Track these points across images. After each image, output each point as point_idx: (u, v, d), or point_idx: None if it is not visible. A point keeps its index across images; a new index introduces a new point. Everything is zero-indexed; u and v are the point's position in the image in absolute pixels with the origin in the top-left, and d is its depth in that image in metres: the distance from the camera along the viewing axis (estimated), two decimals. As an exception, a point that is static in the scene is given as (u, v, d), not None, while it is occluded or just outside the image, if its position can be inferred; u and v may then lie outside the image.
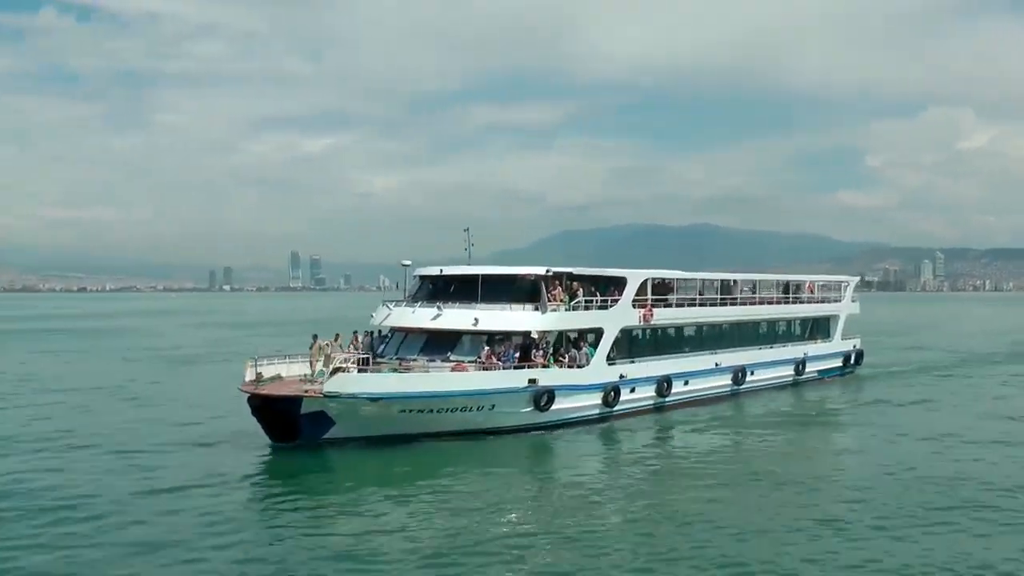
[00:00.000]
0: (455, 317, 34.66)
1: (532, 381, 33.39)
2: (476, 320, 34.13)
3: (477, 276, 35.56)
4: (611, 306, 37.47)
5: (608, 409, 36.60)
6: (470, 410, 32.13)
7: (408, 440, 30.86)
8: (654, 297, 40.03)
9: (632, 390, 37.78)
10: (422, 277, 38.25)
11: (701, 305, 43.01)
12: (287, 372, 34.09)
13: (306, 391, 30.36)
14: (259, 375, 33.39)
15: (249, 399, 30.51)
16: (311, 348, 34.41)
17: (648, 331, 39.94)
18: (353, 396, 30.01)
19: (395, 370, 33.09)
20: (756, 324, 47.29)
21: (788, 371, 48.21)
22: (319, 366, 33.38)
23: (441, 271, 37.51)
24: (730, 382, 43.54)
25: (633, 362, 38.43)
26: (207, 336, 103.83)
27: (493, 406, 32.55)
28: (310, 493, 25.41)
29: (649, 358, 39.25)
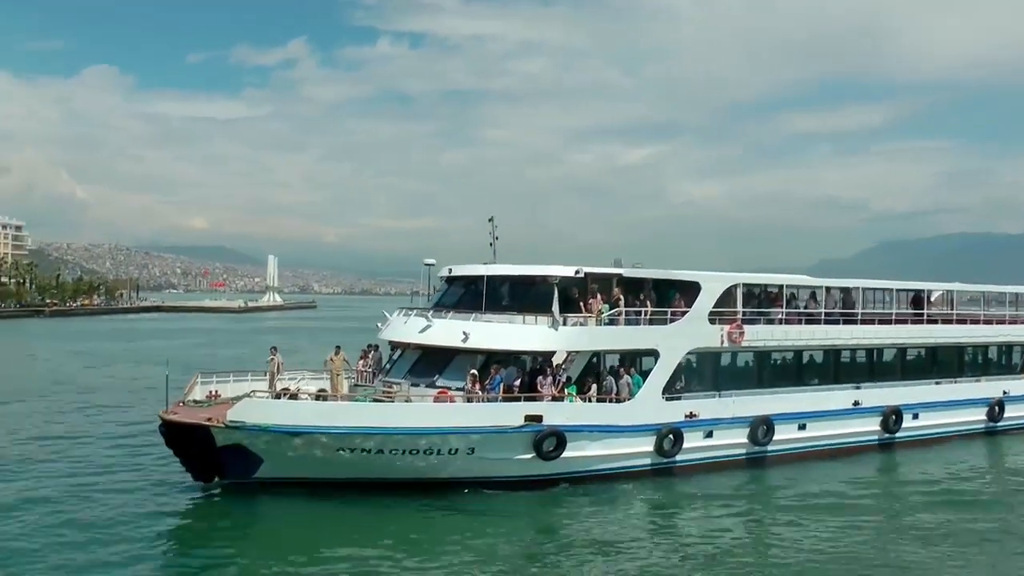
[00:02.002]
0: (445, 330, 25.84)
1: (533, 418, 23.89)
2: (466, 335, 25.13)
3: (481, 278, 26.54)
4: (673, 320, 26.89)
5: (665, 460, 26.14)
6: (438, 454, 23.30)
7: (363, 488, 22.85)
8: (749, 311, 28.78)
9: (708, 435, 27.00)
10: (444, 279, 29.57)
11: (830, 322, 30.68)
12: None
13: (209, 419, 22.93)
14: (213, 394, 26.59)
15: (160, 426, 23.38)
16: (269, 362, 27.05)
17: (738, 356, 28.77)
18: (259, 428, 22.26)
19: (370, 396, 25.02)
20: (931, 351, 33.98)
21: (975, 415, 34.18)
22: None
23: (450, 271, 28.68)
24: (878, 428, 31.01)
25: (716, 397, 27.56)
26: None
27: (472, 450, 23.49)
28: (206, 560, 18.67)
29: (741, 392, 28.07)
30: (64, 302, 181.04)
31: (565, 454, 24.27)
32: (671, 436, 25.98)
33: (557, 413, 24.26)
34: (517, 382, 24.85)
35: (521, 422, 23.84)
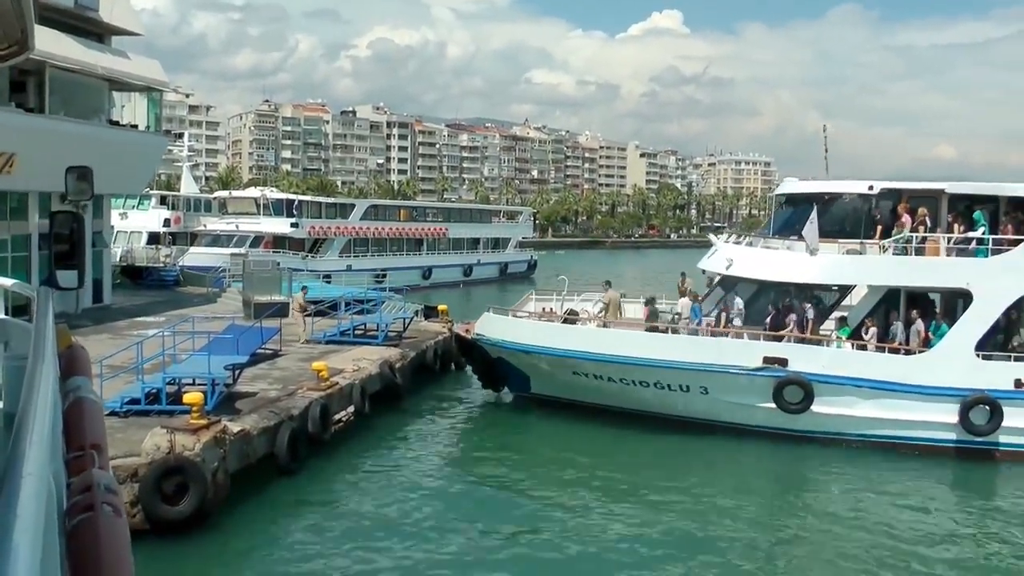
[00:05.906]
0: (719, 257, 23.18)
1: (773, 361, 20.21)
2: (729, 261, 22.18)
3: (779, 199, 23.07)
4: (994, 253, 19.66)
5: (977, 439, 19.53)
6: (668, 388, 21.29)
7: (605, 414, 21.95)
8: None
9: (1050, 413, 19.35)
10: None
11: None
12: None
13: (467, 330, 24.41)
14: (547, 311, 27.40)
15: (455, 338, 25.66)
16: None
17: None
18: (489, 342, 23.12)
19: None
20: None
21: None
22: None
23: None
24: None
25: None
26: None
27: (704, 390, 20.91)
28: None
29: None
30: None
31: (816, 409, 19.90)
32: (985, 408, 19.26)
33: (805, 358, 20.00)
34: (768, 319, 21.14)
35: (759, 364, 20.24)
